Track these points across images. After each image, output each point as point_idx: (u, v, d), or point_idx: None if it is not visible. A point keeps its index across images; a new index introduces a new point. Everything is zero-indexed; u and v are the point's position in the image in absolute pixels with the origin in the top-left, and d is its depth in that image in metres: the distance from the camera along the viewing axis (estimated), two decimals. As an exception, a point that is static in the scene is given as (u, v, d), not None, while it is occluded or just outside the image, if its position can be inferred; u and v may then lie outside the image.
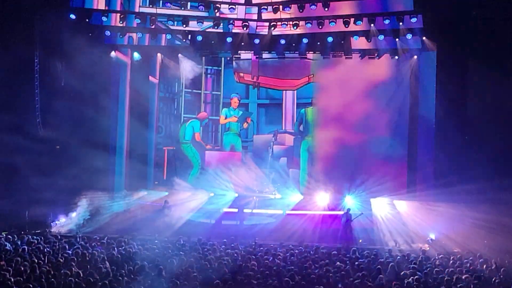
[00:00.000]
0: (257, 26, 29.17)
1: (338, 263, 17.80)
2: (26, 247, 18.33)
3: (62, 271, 15.29)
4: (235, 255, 18.62)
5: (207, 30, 29.03)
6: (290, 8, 27.15)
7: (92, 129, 29.02)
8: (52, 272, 15.10)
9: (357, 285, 15.46)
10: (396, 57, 29.32)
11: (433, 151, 28.12)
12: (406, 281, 15.77)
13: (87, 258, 17.17)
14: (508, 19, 25.05)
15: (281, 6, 27.20)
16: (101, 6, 28.10)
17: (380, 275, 16.18)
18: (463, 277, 16.20)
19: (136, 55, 30.63)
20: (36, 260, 16.28)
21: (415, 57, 29.02)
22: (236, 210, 29.20)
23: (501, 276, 16.54)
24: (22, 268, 15.09)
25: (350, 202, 28.78)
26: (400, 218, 28.00)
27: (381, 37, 27.72)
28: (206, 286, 14.78)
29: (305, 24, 27.83)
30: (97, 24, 28.26)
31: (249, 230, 27.21)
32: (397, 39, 27.84)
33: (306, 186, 31.51)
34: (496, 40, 25.30)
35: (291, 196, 30.52)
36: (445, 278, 16.04)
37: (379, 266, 17.48)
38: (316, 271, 16.60)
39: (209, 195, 30.55)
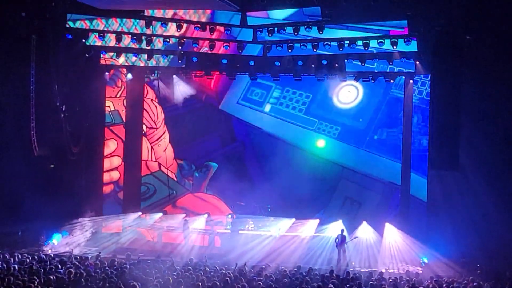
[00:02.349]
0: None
1: (330, 285, 17.75)
2: (18, 266, 18.25)
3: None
4: (228, 275, 18.56)
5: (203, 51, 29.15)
6: (285, 30, 27.23)
7: (87, 149, 29.16)
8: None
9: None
10: (392, 80, 29.46)
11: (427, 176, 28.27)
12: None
13: (80, 278, 17.10)
14: (501, 44, 25.22)
15: (276, 29, 27.29)
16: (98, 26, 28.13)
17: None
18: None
19: (129, 75, 30.73)
20: (28, 279, 16.21)
21: (411, 81, 29.15)
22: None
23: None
24: (13, 287, 15.02)
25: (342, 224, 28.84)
26: (393, 240, 28.02)
27: (375, 60, 27.93)
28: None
29: (300, 46, 27.92)
30: (93, 44, 28.39)
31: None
32: (391, 63, 28.00)
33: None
34: (489, 65, 25.47)
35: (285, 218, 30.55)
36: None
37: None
38: (308, 293, 16.56)
39: (204, 217, 30.70)
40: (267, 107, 32.49)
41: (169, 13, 27.48)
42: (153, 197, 32.67)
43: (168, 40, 28.24)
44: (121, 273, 18.06)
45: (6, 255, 20.89)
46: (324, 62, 28.44)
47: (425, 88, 29.43)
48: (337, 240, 27.03)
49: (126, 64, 30.35)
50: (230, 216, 30.46)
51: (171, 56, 29.97)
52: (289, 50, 27.94)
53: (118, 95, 31.83)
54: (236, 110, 32.82)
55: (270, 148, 32.04)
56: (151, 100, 32.48)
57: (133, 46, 28.76)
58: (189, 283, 16.87)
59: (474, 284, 18.91)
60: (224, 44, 28.34)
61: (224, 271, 19.36)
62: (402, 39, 26.67)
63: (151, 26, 27.22)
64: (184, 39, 28.19)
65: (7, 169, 26.37)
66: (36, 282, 15.84)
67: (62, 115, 27.53)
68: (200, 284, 16.60)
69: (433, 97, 26.44)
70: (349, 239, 27.01)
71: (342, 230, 27.41)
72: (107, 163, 31.34)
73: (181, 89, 32.11)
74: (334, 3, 24.32)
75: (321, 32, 26.68)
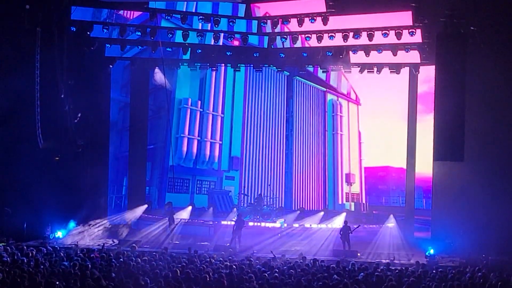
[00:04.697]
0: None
1: (336, 276, 17.72)
2: (24, 259, 18.27)
3: (58, 283, 15.20)
4: (233, 267, 18.56)
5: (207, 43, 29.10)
6: (289, 22, 27.16)
7: (93, 141, 29.18)
8: (50, 284, 15.02)
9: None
10: (397, 72, 29.38)
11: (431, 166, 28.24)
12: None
13: (85, 270, 17.07)
14: (505, 35, 25.16)
15: (280, 20, 27.22)
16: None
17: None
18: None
19: None
20: (34, 272, 16.21)
21: (417, 73, 29.14)
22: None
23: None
24: (19, 280, 15.02)
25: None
26: (399, 231, 28.06)
27: (380, 51, 27.87)
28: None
29: (305, 38, 27.87)
30: (98, 36, 28.35)
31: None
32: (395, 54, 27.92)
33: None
34: (493, 55, 25.41)
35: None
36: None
37: (377, 280, 17.42)
38: (314, 284, 16.51)
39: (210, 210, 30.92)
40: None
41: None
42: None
43: (172, 32, 28.18)
44: (127, 265, 18.08)
45: (12, 247, 20.94)
46: (329, 53, 28.40)
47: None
48: (341, 231, 27.10)
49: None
50: (234, 208, 30.53)
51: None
52: (294, 42, 27.94)
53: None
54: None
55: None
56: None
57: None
58: (195, 275, 16.86)
59: (479, 274, 18.86)
60: (228, 36, 28.27)
61: (229, 263, 19.35)
62: (407, 30, 26.62)
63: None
64: (189, 31, 28.11)
65: (13, 162, 26.39)
66: (41, 275, 15.87)
67: (67, 107, 27.53)
68: (207, 275, 16.61)
69: (438, 87, 26.38)
70: (352, 231, 27.06)
71: (346, 222, 27.51)
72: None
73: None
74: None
75: (325, 24, 26.62)
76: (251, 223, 29.28)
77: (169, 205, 30.13)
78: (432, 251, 25.67)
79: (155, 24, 27.52)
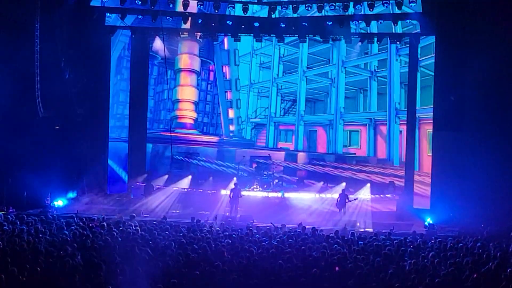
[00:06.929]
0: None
1: (335, 246, 17.78)
2: (24, 227, 18.31)
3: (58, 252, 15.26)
4: (233, 236, 18.63)
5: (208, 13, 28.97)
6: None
7: (93, 110, 29.12)
8: (50, 252, 15.08)
9: (354, 268, 15.41)
10: (398, 42, 29.30)
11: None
12: (403, 265, 15.76)
13: (86, 239, 17.12)
14: (508, 5, 25.00)
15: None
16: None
17: (378, 258, 16.15)
18: (461, 261, 16.18)
19: None
20: (34, 241, 16.25)
21: (418, 43, 29.02)
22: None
23: (498, 261, 16.49)
24: (18, 248, 15.07)
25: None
26: (398, 201, 28.13)
27: (380, 21, 27.74)
28: (206, 268, 14.73)
29: (305, 7, 27.72)
30: (98, 6, 28.19)
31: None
32: (395, 24, 27.81)
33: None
34: (495, 25, 25.26)
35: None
36: (442, 262, 16.03)
37: (376, 249, 17.49)
38: (313, 253, 16.57)
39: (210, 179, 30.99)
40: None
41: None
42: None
43: (172, 1, 27.99)
44: (125, 234, 18.15)
45: (12, 216, 20.98)
46: (329, 23, 28.24)
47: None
48: (338, 199, 27.27)
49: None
50: (234, 177, 30.53)
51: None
52: (294, 12, 27.78)
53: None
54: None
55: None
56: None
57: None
58: (196, 245, 16.92)
59: (479, 244, 18.91)
60: (229, 5, 28.11)
61: (228, 233, 19.42)
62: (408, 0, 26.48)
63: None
64: (189, 0, 27.93)
65: (13, 131, 26.34)
66: (41, 244, 15.93)
67: (67, 76, 27.43)
68: (207, 245, 16.68)
69: (438, 58, 26.29)
70: (349, 200, 27.17)
71: (343, 191, 27.63)
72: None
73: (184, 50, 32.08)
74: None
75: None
76: (245, 193, 29.28)
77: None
78: (429, 220, 25.73)
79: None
